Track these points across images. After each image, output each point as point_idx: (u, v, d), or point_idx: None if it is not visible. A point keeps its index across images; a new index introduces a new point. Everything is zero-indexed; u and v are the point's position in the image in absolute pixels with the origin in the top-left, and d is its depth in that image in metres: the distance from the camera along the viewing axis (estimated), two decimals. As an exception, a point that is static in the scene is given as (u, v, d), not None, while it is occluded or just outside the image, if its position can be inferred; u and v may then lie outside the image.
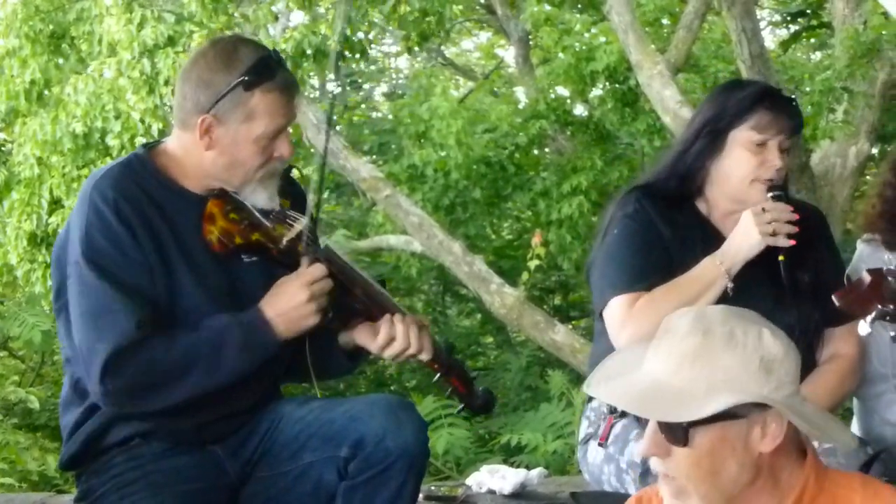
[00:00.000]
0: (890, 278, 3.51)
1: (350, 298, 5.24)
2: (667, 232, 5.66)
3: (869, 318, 3.53)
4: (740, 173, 5.61)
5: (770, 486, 3.69)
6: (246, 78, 4.95)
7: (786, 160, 5.60)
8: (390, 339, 5.12)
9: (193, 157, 5.11)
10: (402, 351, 5.14)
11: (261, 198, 5.09)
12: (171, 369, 4.91)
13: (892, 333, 3.54)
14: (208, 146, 5.01)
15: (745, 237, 5.43)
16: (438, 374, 5.42)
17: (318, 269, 5.02)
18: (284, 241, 5.07)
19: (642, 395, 3.67)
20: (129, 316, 4.83)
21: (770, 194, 5.53)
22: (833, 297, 3.75)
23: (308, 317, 5.00)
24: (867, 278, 3.53)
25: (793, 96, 5.94)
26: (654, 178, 5.97)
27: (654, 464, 3.67)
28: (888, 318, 3.48)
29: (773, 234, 5.38)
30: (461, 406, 5.58)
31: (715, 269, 5.38)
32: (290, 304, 4.99)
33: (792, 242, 5.38)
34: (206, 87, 5.01)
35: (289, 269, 5.09)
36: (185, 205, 5.10)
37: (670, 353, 3.70)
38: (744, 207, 5.55)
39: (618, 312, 5.57)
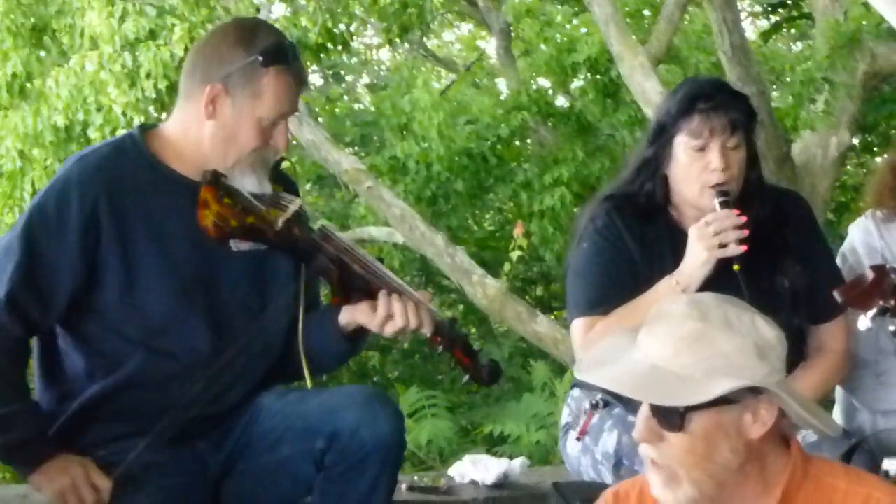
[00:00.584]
0: (892, 275, 3.53)
1: (350, 275, 5.21)
2: (635, 248, 5.65)
3: (870, 313, 3.55)
4: (688, 180, 5.58)
5: (757, 471, 3.68)
6: (262, 56, 4.96)
7: (734, 158, 5.52)
8: (389, 315, 5.07)
9: (192, 132, 5.10)
10: (401, 327, 5.09)
11: (250, 182, 5.05)
12: None
13: (892, 329, 3.55)
14: (210, 115, 4.99)
15: (693, 256, 5.40)
16: (441, 348, 5.36)
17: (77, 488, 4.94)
18: (280, 222, 5.01)
19: (640, 380, 3.65)
20: (6, 283, 4.85)
21: (718, 200, 5.47)
22: (835, 293, 3.77)
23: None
24: (870, 274, 3.56)
25: (736, 92, 5.87)
26: (625, 185, 5.91)
27: (645, 450, 3.63)
28: (889, 313, 3.50)
29: (723, 246, 5.32)
30: (466, 378, 5.51)
31: (671, 291, 5.32)
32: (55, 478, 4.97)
33: (743, 248, 5.30)
34: (221, 58, 5.04)
35: (285, 252, 5.16)
36: (174, 189, 5.08)
37: (667, 337, 3.68)
38: (704, 214, 5.52)
39: (577, 335, 5.64)
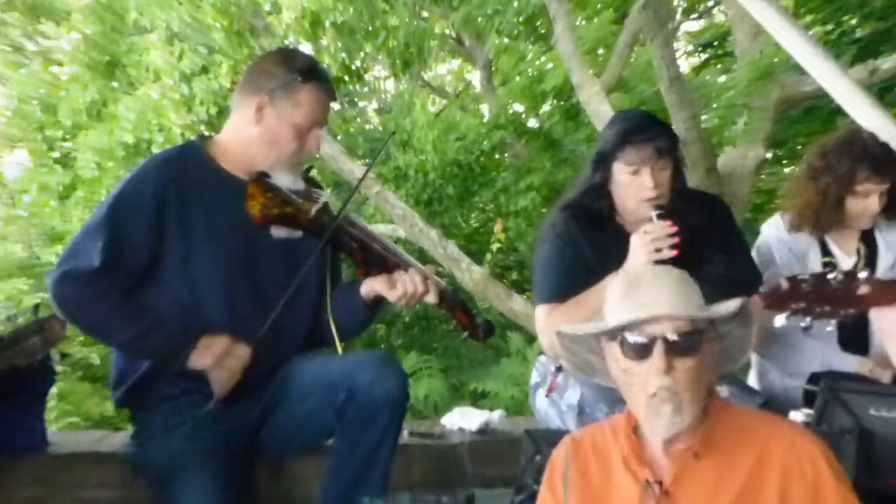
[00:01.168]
0: (804, 284, 3.54)
1: (369, 253, 5.45)
2: (588, 250, 5.80)
3: (786, 314, 3.56)
4: (628, 196, 5.74)
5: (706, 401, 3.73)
6: (300, 75, 5.20)
7: (662, 177, 5.65)
8: (404, 285, 5.30)
9: (241, 136, 5.34)
10: (413, 294, 5.32)
11: (287, 180, 5.31)
12: (108, 311, 5.04)
13: (803, 325, 3.57)
14: (258, 122, 5.28)
15: (635, 258, 5.46)
16: (445, 311, 5.60)
17: (232, 350, 5.15)
18: (313, 211, 5.30)
19: (678, 301, 3.65)
20: (100, 254, 4.99)
21: (654, 213, 5.56)
22: (757, 298, 3.79)
23: (221, 382, 5.14)
24: (785, 284, 3.57)
25: (659, 123, 5.97)
26: (580, 196, 6.00)
27: (659, 384, 3.57)
28: (800, 313, 3.52)
29: (658, 250, 5.38)
30: (466, 335, 5.75)
31: None
32: (204, 352, 5.14)
33: (674, 253, 5.35)
34: (267, 76, 5.30)
35: (316, 236, 5.32)
36: (225, 186, 5.29)
37: (665, 282, 3.73)
38: (643, 222, 5.63)
39: (540, 318, 5.77)
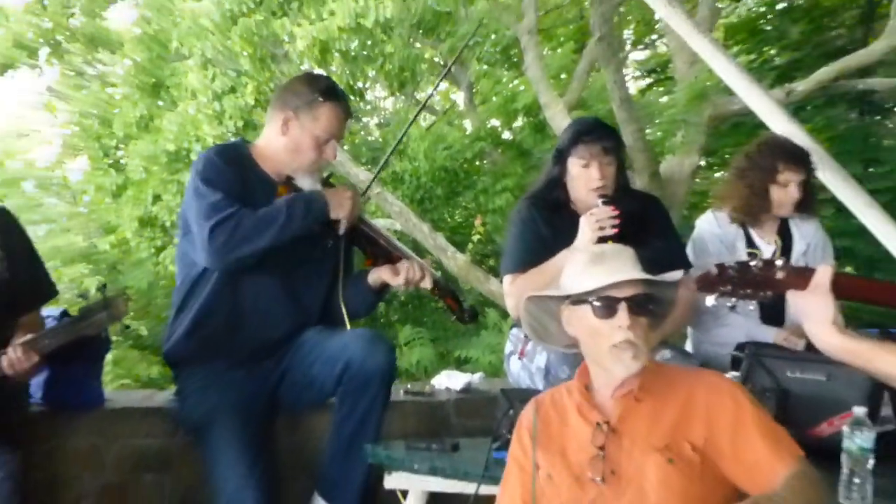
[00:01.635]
0: (730, 270, 3.56)
1: (377, 247, 5.59)
2: (547, 232, 5.89)
3: (714, 295, 3.58)
4: (579, 186, 5.88)
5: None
6: (321, 96, 5.31)
7: (607, 168, 5.84)
8: (405, 275, 5.43)
9: (272, 145, 5.44)
10: (412, 282, 5.46)
11: (307, 183, 5.41)
12: (257, 225, 5.10)
13: (729, 304, 3.60)
14: (283, 133, 5.38)
15: (583, 236, 5.61)
16: (438, 297, 5.71)
17: (349, 191, 5.43)
18: None
19: (635, 271, 3.80)
20: (226, 203, 5.13)
21: (600, 200, 5.73)
22: (693, 281, 3.83)
23: (345, 206, 5.34)
24: (714, 270, 3.58)
25: (607, 127, 6.15)
26: (541, 188, 6.15)
27: (623, 336, 3.67)
28: (727, 295, 3.54)
29: (602, 229, 5.56)
30: (454, 318, 5.86)
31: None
32: (336, 195, 5.34)
33: (615, 231, 5.56)
34: (294, 95, 5.41)
35: (327, 226, 5.40)
36: (262, 183, 5.41)
37: (623, 257, 3.89)
38: (591, 208, 5.77)
39: (505, 285, 5.93)
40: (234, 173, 5.28)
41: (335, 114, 5.40)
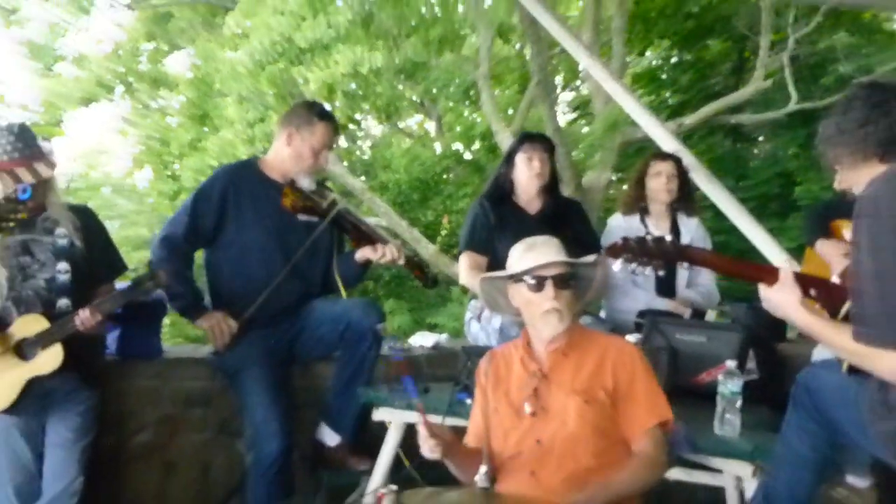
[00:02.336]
0: (631, 242, 3.58)
1: (360, 232, 5.57)
2: (494, 218, 5.87)
3: (620, 261, 3.60)
4: (522, 175, 5.93)
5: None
6: (317, 115, 5.40)
7: (545, 163, 5.95)
8: (383, 252, 5.44)
9: (279, 155, 5.48)
10: (389, 258, 5.46)
11: (306, 183, 5.43)
12: (172, 274, 5.01)
13: (631, 268, 3.63)
14: (287, 144, 5.43)
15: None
16: (409, 269, 5.74)
17: (223, 322, 5.28)
18: (324, 204, 5.46)
19: (559, 255, 3.91)
20: (183, 230, 5.32)
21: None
22: (603, 250, 3.90)
23: (210, 321, 5.29)
24: (620, 242, 3.61)
25: (546, 136, 6.30)
26: (491, 185, 6.17)
27: (550, 305, 3.82)
28: (628, 261, 3.56)
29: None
30: (420, 284, 5.93)
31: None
32: (206, 320, 5.31)
33: None
34: (296, 115, 5.49)
35: (325, 220, 5.46)
36: (269, 186, 5.45)
37: (550, 245, 3.97)
38: (531, 200, 6.03)
39: (461, 261, 5.95)
40: (226, 198, 5.38)
41: (327, 130, 5.46)
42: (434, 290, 6.10)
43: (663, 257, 3.65)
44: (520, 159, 5.92)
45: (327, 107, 5.93)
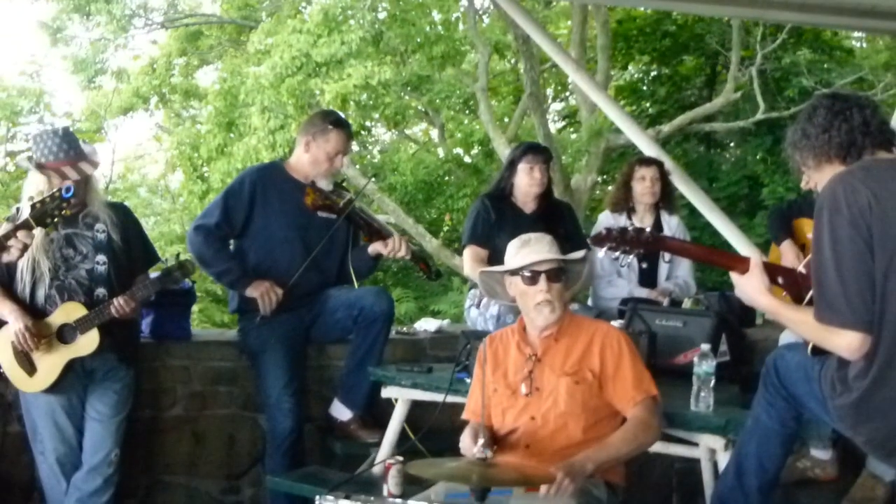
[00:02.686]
0: (614, 232, 3.56)
1: (372, 228, 5.54)
2: (494, 217, 5.79)
3: (604, 249, 3.58)
4: (522, 183, 5.83)
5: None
6: (331, 124, 5.35)
7: (545, 174, 5.86)
8: (393, 247, 5.41)
9: (300, 159, 5.46)
10: (397, 252, 5.45)
11: (326, 184, 5.41)
12: (211, 257, 5.34)
13: (614, 257, 3.60)
14: (306, 151, 5.40)
15: None
16: (414, 263, 5.78)
17: (271, 290, 5.30)
18: (341, 203, 5.41)
19: (551, 252, 3.93)
20: (216, 219, 5.34)
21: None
22: (589, 240, 3.90)
23: (259, 289, 5.30)
24: (604, 232, 3.58)
25: (546, 148, 6.30)
26: (494, 186, 6.10)
27: (543, 297, 3.85)
28: (612, 249, 3.54)
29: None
30: (424, 276, 5.97)
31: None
32: (257, 287, 5.31)
33: None
34: (313, 125, 5.45)
35: (341, 217, 5.43)
36: (293, 186, 5.42)
37: (543, 242, 3.97)
38: (528, 201, 5.92)
39: (465, 255, 5.88)
40: (254, 196, 5.38)
41: (341, 137, 5.40)
42: (437, 280, 6.11)
43: (643, 245, 3.62)
44: (522, 168, 5.82)
45: (342, 115, 5.94)
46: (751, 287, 3.40)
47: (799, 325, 3.33)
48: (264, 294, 5.24)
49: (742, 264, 3.45)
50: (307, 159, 5.43)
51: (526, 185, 5.82)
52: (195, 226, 5.40)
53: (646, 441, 3.80)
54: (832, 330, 3.08)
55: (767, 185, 15.33)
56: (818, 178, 3.35)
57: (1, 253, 4.12)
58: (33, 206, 4.10)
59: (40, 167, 4.49)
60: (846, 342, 3.06)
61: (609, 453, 3.67)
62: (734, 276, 3.48)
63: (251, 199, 5.36)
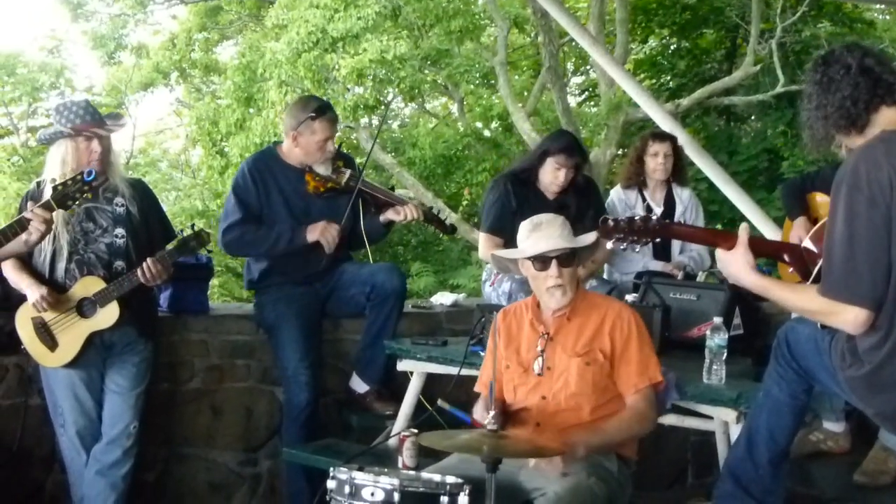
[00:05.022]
0: (620, 223, 3.57)
1: (381, 200, 5.54)
2: (515, 203, 5.71)
3: (612, 241, 3.59)
4: (548, 178, 5.72)
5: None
6: (312, 115, 5.26)
7: (569, 176, 5.69)
8: (405, 213, 5.43)
9: (291, 150, 5.40)
10: (410, 217, 5.47)
11: (324, 169, 5.39)
12: (255, 240, 5.36)
13: (622, 248, 3.61)
14: (296, 145, 5.35)
15: None
16: (427, 222, 5.75)
17: (328, 228, 5.35)
18: (343, 181, 5.40)
19: (562, 236, 3.90)
20: (239, 214, 5.35)
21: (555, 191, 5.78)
22: (597, 232, 3.87)
23: (317, 230, 5.34)
24: (610, 223, 3.60)
25: (582, 149, 6.10)
26: (517, 168, 6.01)
27: (554, 281, 3.85)
28: (619, 240, 3.55)
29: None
30: (441, 233, 6.14)
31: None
32: (313, 228, 5.29)
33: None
34: (294, 118, 5.36)
35: (348, 195, 5.41)
36: (290, 173, 5.42)
37: (554, 226, 3.94)
38: (555, 190, 5.77)
39: (481, 242, 5.85)
40: (257, 183, 5.40)
41: (325, 125, 5.32)
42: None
43: (651, 234, 3.63)
44: (550, 164, 5.69)
45: (322, 99, 5.90)
46: (735, 264, 3.36)
47: (789, 301, 3.34)
48: (324, 233, 5.32)
49: (727, 241, 3.43)
50: (298, 151, 5.41)
51: (548, 181, 5.72)
52: (223, 230, 5.40)
53: (640, 431, 3.90)
54: (837, 305, 3.05)
55: (787, 158, 15.21)
56: (850, 143, 3.28)
57: (22, 233, 4.17)
58: (55, 189, 4.18)
59: (75, 131, 4.54)
60: (852, 317, 3.04)
61: (602, 439, 3.75)
62: (718, 253, 3.45)
63: (255, 186, 5.37)
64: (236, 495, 5.72)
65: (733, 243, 3.38)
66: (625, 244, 3.62)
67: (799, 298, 3.26)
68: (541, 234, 3.91)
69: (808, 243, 3.57)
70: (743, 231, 3.40)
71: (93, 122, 4.57)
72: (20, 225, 4.14)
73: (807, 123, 3.32)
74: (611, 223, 3.62)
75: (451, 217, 15.34)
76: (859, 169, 3.04)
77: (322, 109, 5.39)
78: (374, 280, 5.43)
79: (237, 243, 5.38)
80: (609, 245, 3.70)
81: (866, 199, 2.99)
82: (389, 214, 5.51)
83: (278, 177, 5.42)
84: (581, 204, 5.75)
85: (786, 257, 3.58)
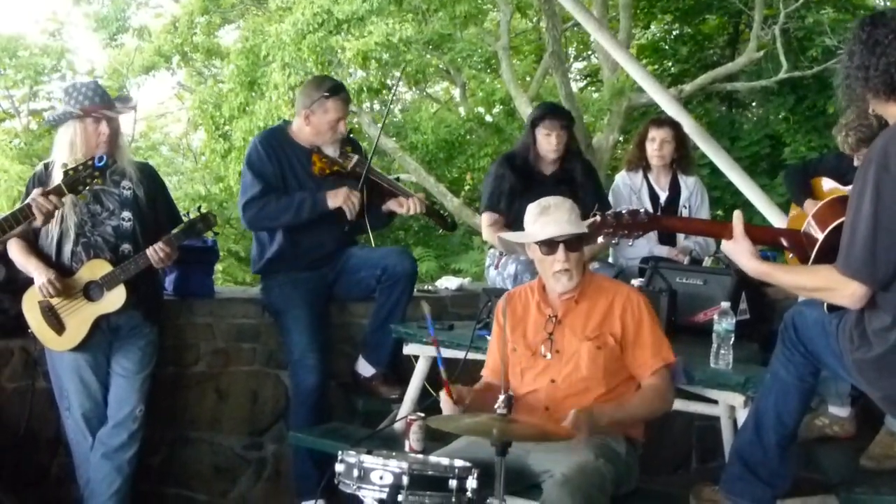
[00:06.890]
0: (609, 218, 3.56)
1: (385, 190, 5.52)
2: (513, 180, 5.77)
3: (602, 236, 3.59)
4: (542, 149, 5.79)
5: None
6: (326, 94, 5.25)
7: (562, 138, 5.78)
8: (408, 206, 5.43)
9: (302, 129, 5.38)
10: (412, 209, 5.45)
11: (332, 150, 5.38)
12: (277, 210, 5.33)
13: (614, 242, 3.61)
14: (307, 124, 5.33)
15: None
16: (428, 216, 5.78)
17: (350, 195, 5.32)
18: (349, 166, 5.40)
19: (570, 220, 3.91)
20: (258, 187, 5.32)
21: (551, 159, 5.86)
22: (587, 227, 3.85)
23: (339, 196, 5.30)
24: (599, 218, 3.59)
25: (564, 109, 6.24)
26: (519, 148, 6.04)
27: (561, 266, 3.87)
28: (608, 236, 3.55)
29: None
30: (442, 228, 6.23)
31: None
32: (333, 193, 5.27)
33: None
34: (308, 96, 5.35)
35: (354, 180, 5.41)
36: (299, 151, 5.42)
37: (561, 210, 3.93)
38: (548, 164, 5.89)
39: (483, 220, 5.95)
40: (271, 157, 5.38)
41: (338, 105, 5.33)
42: (458, 238, 6.14)
43: (640, 228, 3.62)
44: (540, 132, 5.78)
45: (335, 79, 5.90)
46: (737, 251, 3.39)
47: (791, 282, 3.38)
48: (346, 200, 5.31)
49: (726, 230, 3.43)
50: (309, 131, 5.40)
51: (543, 150, 5.80)
52: (243, 206, 5.40)
53: (660, 408, 3.93)
54: (840, 280, 3.07)
55: (789, 144, 15.23)
56: (885, 111, 3.23)
57: (32, 217, 4.18)
58: (66, 173, 4.20)
59: (84, 112, 4.52)
60: (850, 291, 3.07)
61: (625, 413, 3.80)
62: (724, 244, 3.48)
63: (270, 160, 5.36)
64: (241, 479, 5.72)
65: (730, 232, 3.39)
66: (616, 238, 3.62)
67: (800, 278, 3.32)
68: (549, 218, 3.91)
69: (810, 226, 3.52)
70: (737, 219, 3.40)
71: (102, 103, 4.56)
72: (31, 209, 4.16)
73: (845, 81, 3.25)
74: (598, 219, 3.61)
75: (453, 202, 15.50)
76: (889, 150, 3.02)
77: (336, 89, 5.40)
78: (385, 263, 5.44)
79: (260, 216, 5.36)
80: (600, 240, 3.70)
81: (893, 181, 2.98)
82: (392, 206, 5.53)
83: (287, 154, 5.41)
84: (577, 187, 5.78)
85: (784, 242, 3.58)
